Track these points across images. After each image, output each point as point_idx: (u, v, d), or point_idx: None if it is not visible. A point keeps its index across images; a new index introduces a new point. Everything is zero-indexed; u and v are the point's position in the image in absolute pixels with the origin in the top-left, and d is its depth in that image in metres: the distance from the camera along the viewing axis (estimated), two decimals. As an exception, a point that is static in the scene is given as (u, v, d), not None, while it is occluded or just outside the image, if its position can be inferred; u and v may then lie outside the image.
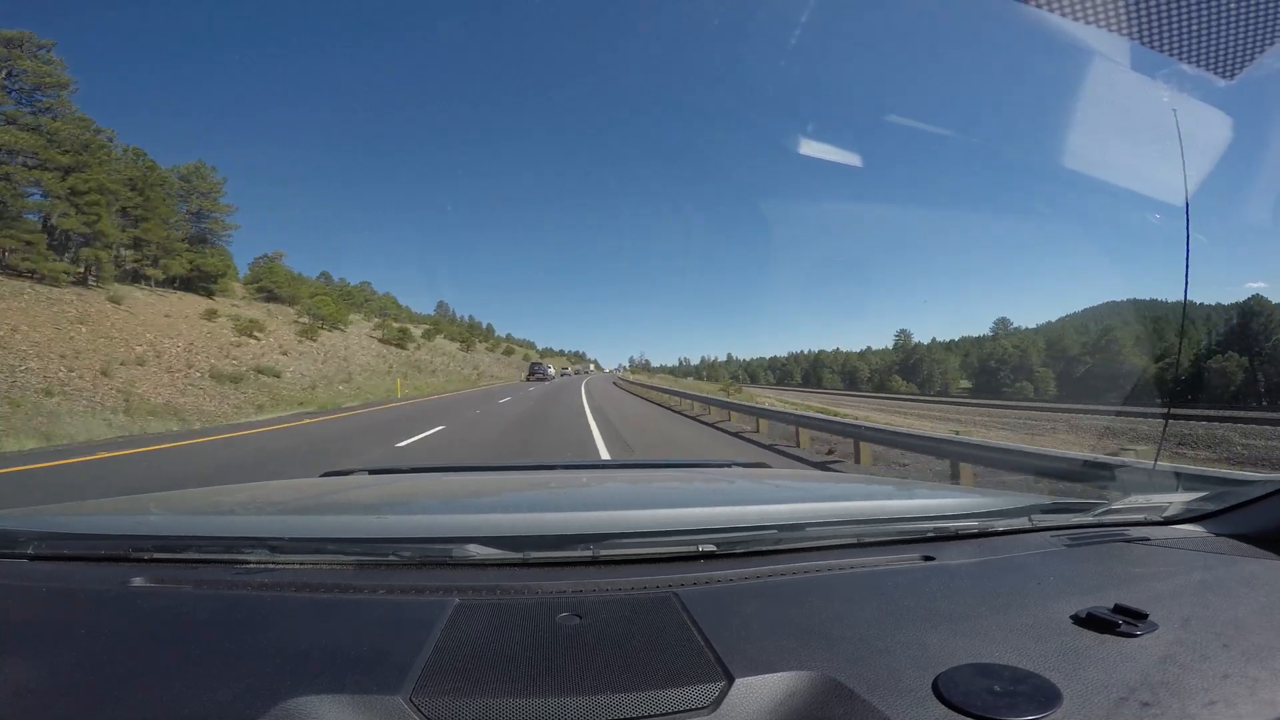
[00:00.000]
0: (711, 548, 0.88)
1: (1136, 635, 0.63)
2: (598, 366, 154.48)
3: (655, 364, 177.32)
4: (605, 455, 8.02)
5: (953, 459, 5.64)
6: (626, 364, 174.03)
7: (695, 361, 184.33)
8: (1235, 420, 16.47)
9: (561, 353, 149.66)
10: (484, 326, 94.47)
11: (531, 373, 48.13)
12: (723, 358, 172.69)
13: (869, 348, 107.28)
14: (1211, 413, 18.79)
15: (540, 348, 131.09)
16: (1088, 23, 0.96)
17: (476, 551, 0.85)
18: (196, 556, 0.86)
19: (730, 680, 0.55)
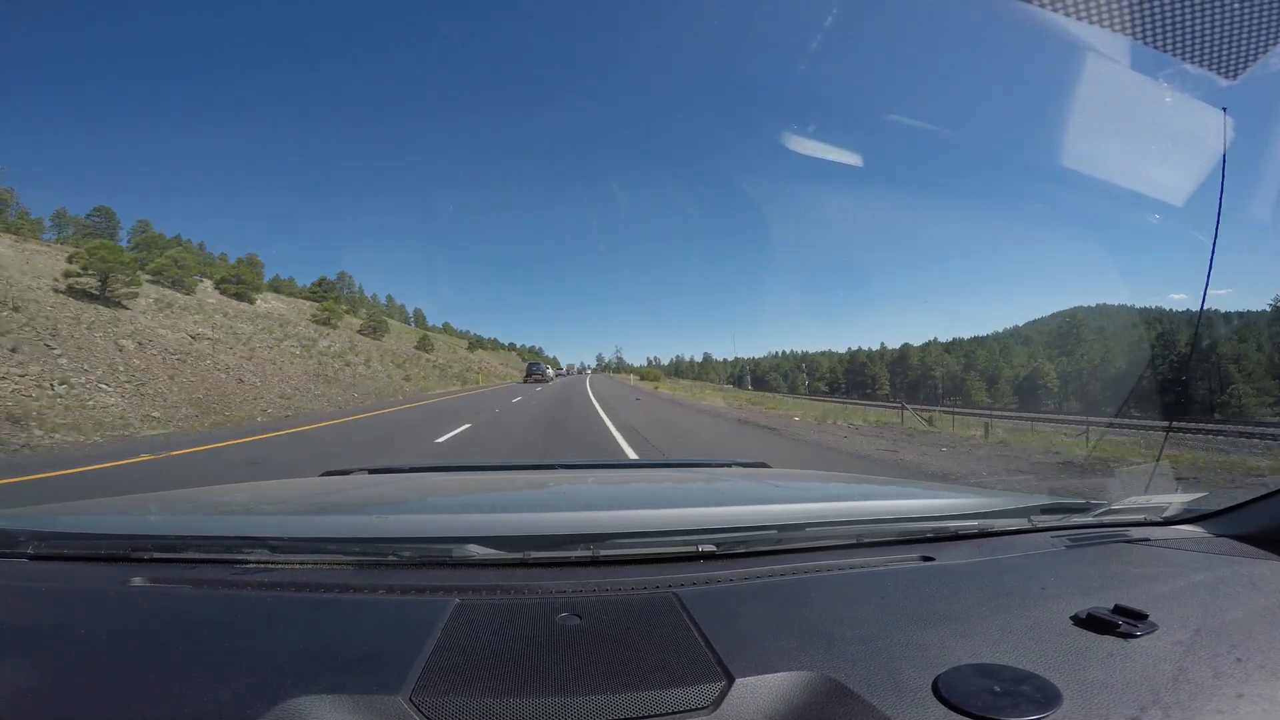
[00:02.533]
0: (711, 548, 0.88)
1: (1137, 636, 0.63)
2: (555, 365, 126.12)
3: (594, 365, 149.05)
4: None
5: None
6: (593, 364, 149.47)
7: (665, 361, 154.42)
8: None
9: (511, 347, 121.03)
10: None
11: (529, 374, 46.02)
12: (698, 357, 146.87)
13: (995, 332, 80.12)
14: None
15: (480, 335, 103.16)
16: (1090, 22, 0.96)
17: (476, 551, 0.85)
18: (196, 556, 0.86)
19: (730, 680, 0.55)
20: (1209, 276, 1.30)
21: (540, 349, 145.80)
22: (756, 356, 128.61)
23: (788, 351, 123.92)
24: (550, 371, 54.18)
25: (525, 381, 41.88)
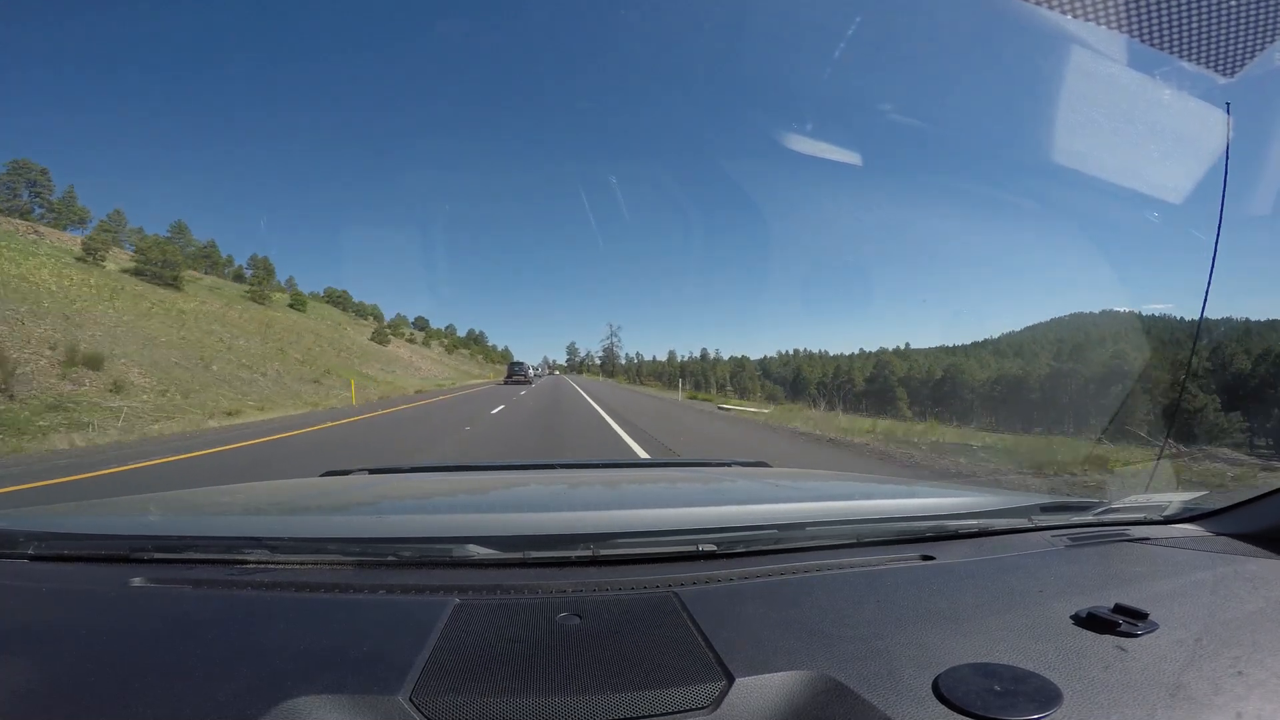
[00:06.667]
0: (711, 547, 0.88)
1: (1137, 635, 0.63)
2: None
3: (564, 360, 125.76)
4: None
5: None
6: (557, 361, 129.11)
7: (647, 358, 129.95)
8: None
9: (449, 331, 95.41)
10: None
11: (511, 374, 42.89)
12: (695, 354, 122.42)
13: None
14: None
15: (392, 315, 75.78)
16: (1087, 19, 0.96)
17: (476, 551, 0.85)
18: (196, 556, 0.86)
19: (730, 680, 0.55)
20: (1210, 277, 1.28)
21: (481, 333, 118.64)
22: (753, 357, 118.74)
23: (780, 353, 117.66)
24: (531, 371, 47.72)
25: (506, 383, 38.68)
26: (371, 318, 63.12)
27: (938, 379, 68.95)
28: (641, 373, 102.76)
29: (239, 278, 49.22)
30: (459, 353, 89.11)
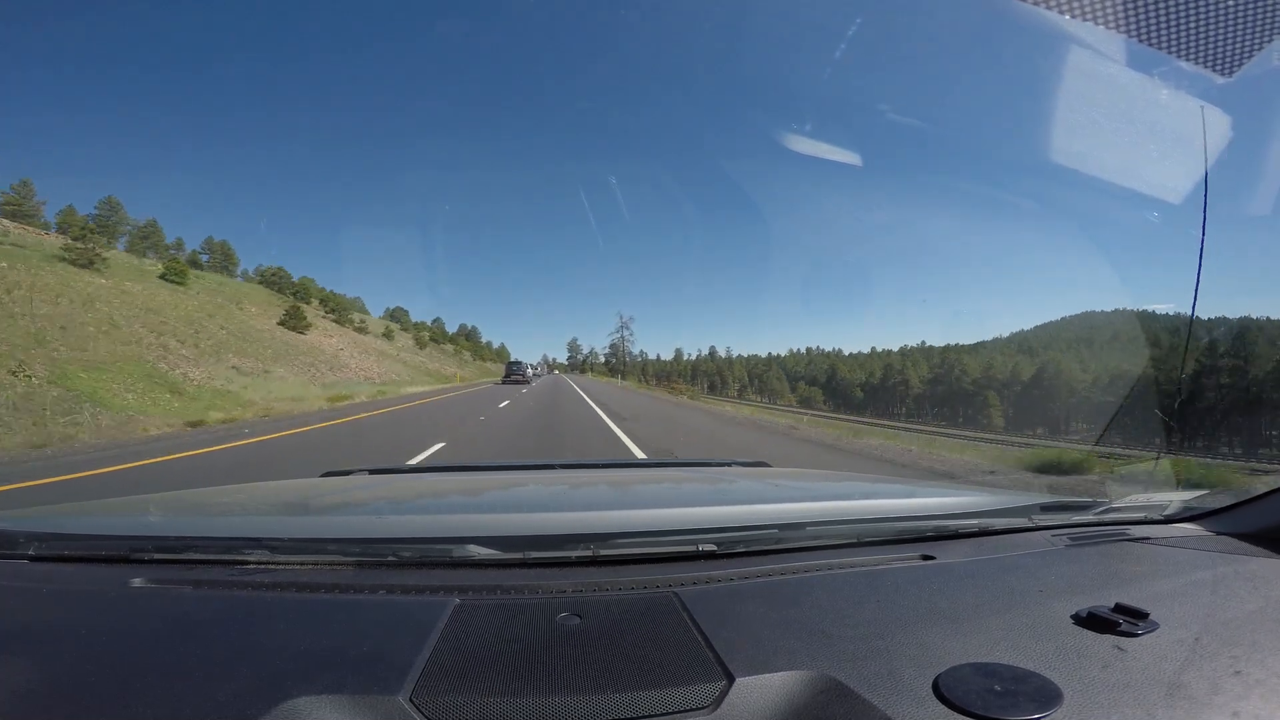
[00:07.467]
0: (712, 547, 0.88)
1: (1137, 635, 0.63)
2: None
3: (565, 359, 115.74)
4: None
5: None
6: (557, 360, 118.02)
7: (651, 356, 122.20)
8: None
9: (417, 324, 79.14)
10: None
11: (509, 373, 42.12)
12: (684, 354, 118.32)
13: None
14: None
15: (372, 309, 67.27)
16: (1085, 19, 0.96)
17: (476, 551, 0.85)
18: (196, 557, 0.86)
19: (730, 680, 0.55)
20: (1199, 278, 1.28)
21: (474, 327, 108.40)
22: (762, 355, 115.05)
23: (792, 351, 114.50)
24: (530, 371, 46.06)
25: (504, 382, 38.68)
26: (317, 301, 49.69)
27: (1025, 380, 60.19)
28: (647, 373, 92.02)
29: (195, 263, 46.06)
30: (441, 347, 75.25)
